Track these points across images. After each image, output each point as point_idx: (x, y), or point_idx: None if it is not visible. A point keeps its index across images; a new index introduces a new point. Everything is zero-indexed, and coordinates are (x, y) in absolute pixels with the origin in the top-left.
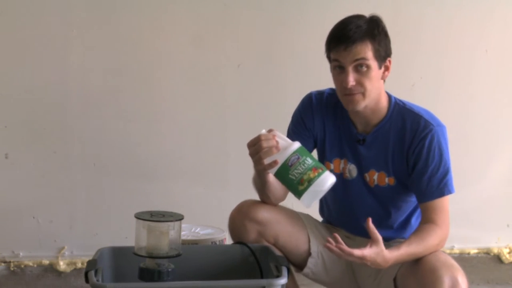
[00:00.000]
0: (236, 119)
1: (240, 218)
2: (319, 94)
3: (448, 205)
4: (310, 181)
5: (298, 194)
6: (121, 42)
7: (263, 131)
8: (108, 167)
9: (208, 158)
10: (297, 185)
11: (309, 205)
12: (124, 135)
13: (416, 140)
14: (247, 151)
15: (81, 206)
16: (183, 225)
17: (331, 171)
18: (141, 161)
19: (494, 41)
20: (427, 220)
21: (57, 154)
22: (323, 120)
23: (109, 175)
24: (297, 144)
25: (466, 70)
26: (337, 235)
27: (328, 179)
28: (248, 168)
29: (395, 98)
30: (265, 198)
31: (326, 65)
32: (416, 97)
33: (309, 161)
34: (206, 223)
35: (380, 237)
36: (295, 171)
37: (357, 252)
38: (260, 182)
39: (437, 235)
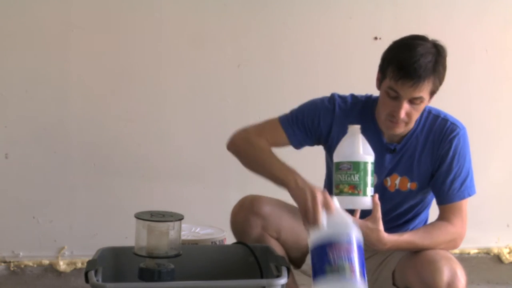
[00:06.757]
0: (236, 119)
1: (243, 213)
2: (343, 101)
3: (467, 206)
4: (341, 193)
5: (332, 192)
6: (121, 42)
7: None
8: (108, 167)
9: (208, 158)
10: (333, 187)
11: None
12: (124, 135)
13: (443, 142)
14: None
15: (81, 206)
16: (183, 225)
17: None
18: (141, 161)
19: (494, 41)
20: (442, 218)
21: (57, 154)
22: (344, 130)
23: (109, 175)
24: (360, 157)
25: (466, 69)
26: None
27: (355, 204)
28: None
29: None
30: (250, 169)
31: (325, 65)
32: None
33: (353, 178)
34: (206, 223)
35: (379, 216)
36: (339, 175)
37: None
38: (272, 181)
39: (448, 233)
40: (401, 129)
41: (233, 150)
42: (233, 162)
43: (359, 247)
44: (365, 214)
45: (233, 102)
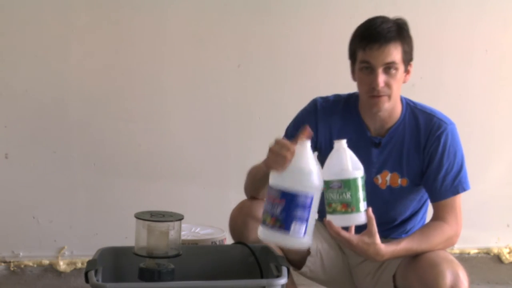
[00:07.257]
0: (236, 119)
1: (242, 217)
2: (325, 100)
3: (461, 202)
4: (334, 212)
5: (325, 211)
6: (121, 42)
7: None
8: (108, 167)
9: (208, 158)
10: (326, 205)
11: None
12: (124, 135)
13: (431, 139)
14: (247, 151)
15: (81, 206)
16: (183, 225)
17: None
18: (141, 161)
19: (494, 41)
20: (437, 217)
21: (57, 154)
22: (329, 127)
23: (109, 175)
24: (350, 174)
25: (466, 70)
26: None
27: (349, 221)
28: (248, 168)
29: (405, 98)
30: (256, 190)
31: (325, 65)
32: (416, 97)
33: (345, 196)
34: (206, 223)
35: (375, 230)
36: (330, 194)
37: (344, 233)
38: (263, 176)
39: (444, 232)
40: (385, 104)
41: (245, 190)
42: (233, 162)
43: (308, 203)
44: (360, 227)
45: (233, 102)
